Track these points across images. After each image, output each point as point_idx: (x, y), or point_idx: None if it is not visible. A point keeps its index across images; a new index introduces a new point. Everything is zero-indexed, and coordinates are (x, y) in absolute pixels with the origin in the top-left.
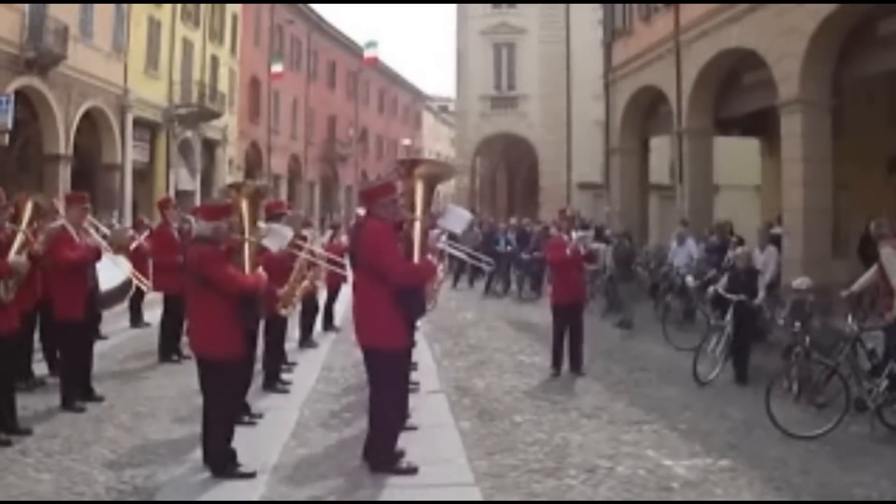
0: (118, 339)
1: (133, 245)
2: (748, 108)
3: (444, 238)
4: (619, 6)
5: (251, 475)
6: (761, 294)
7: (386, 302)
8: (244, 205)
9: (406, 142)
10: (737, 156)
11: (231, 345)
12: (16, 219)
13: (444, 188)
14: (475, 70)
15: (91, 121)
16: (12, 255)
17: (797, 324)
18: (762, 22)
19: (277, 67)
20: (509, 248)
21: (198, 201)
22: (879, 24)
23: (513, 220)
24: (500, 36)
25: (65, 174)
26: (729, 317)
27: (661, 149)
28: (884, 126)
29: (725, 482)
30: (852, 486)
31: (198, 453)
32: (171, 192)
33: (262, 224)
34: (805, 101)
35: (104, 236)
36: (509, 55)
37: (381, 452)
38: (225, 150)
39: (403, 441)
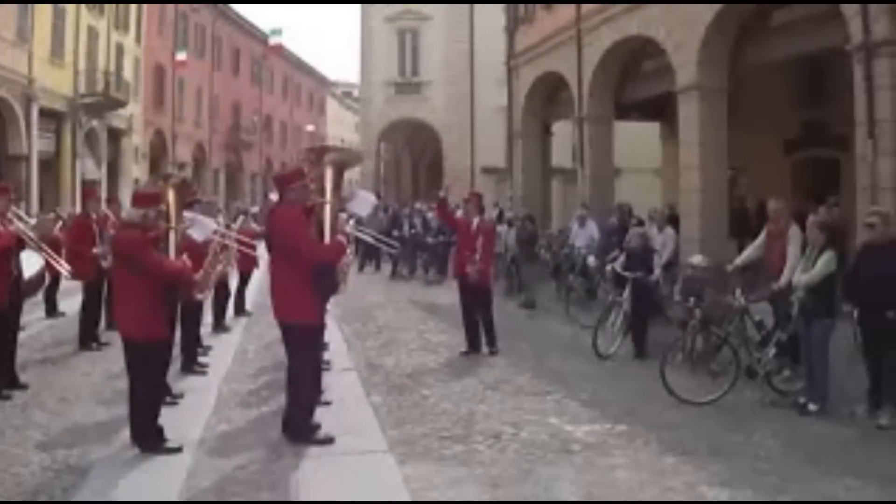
0: (35, 329)
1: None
2: (648, 94)
3: (352, 222)
4: None
5: (178, 449)
6: (657, 271)
7: (300, 280)
8: (171, 195)
9: (310, 128)
10: (637, 140)
11: (156, 326)
12: None
13: (350, 173)
14: (379, 56)
15: None
16: None
17: (691, 298)
18: (661, 10)
19: (182, 55)
20: (414, 231)
21: (104, 191)
22: (774, 13)
23: (417, 205)
24: (404, 22)
25: None
26: (626, 293)
27: (563, 133)
28: (779, 110)
29: (623, 444)
30: (742, 445)
31: (126, 433)
32: (77, 182)
33: (187, 214)
34: (702, 87)
35: (29, 226)
36: (413, 41)
37: (300, 424)
38: (131, 139)
39: (319, 415)
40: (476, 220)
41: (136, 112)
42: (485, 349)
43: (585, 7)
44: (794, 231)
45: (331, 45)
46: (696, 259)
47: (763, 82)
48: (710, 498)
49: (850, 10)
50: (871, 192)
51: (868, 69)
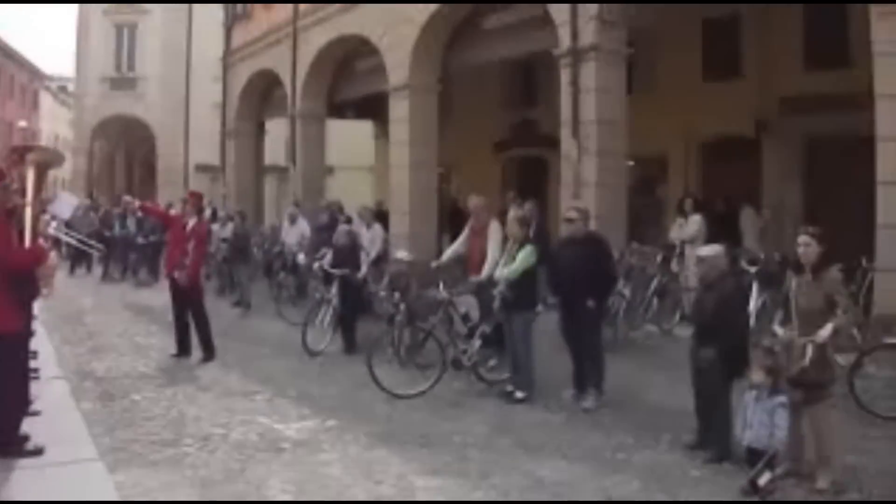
0: None
1: None
2: (361, 93)
3: (54, 224)
4: None
5: None
6: (364, 268)
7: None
8: None
9: (22, 124)
10: (351, 138)
11: None
12: None
13: (61, 172)
14: (96, 50)
15: None
16: None
17: (396, 294)
18: (376, 11)
19: None
20: (125, 231)
21: None
22: (486, 18)
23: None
24: (122, 16)
25: None
26: (334, 290)
27: (277, 131)
28: (491, 111)
29: (333, 439)
30: (451, 433)
31: None
32: None
33: None
34: (413, 87)
35: None
36: (131, 35)
37: (7, 437)
38: None
39: (27, 426)
40: (192, 222)
41: None
42: (198, 354)
43: (302, 6)
44: (494, 227)
45: (46, 35)
46: (401, 254)
47: (476, 84)
48: (419, 486)
49: (559, 16)
50: (575, 189)
51: (575, 73)
